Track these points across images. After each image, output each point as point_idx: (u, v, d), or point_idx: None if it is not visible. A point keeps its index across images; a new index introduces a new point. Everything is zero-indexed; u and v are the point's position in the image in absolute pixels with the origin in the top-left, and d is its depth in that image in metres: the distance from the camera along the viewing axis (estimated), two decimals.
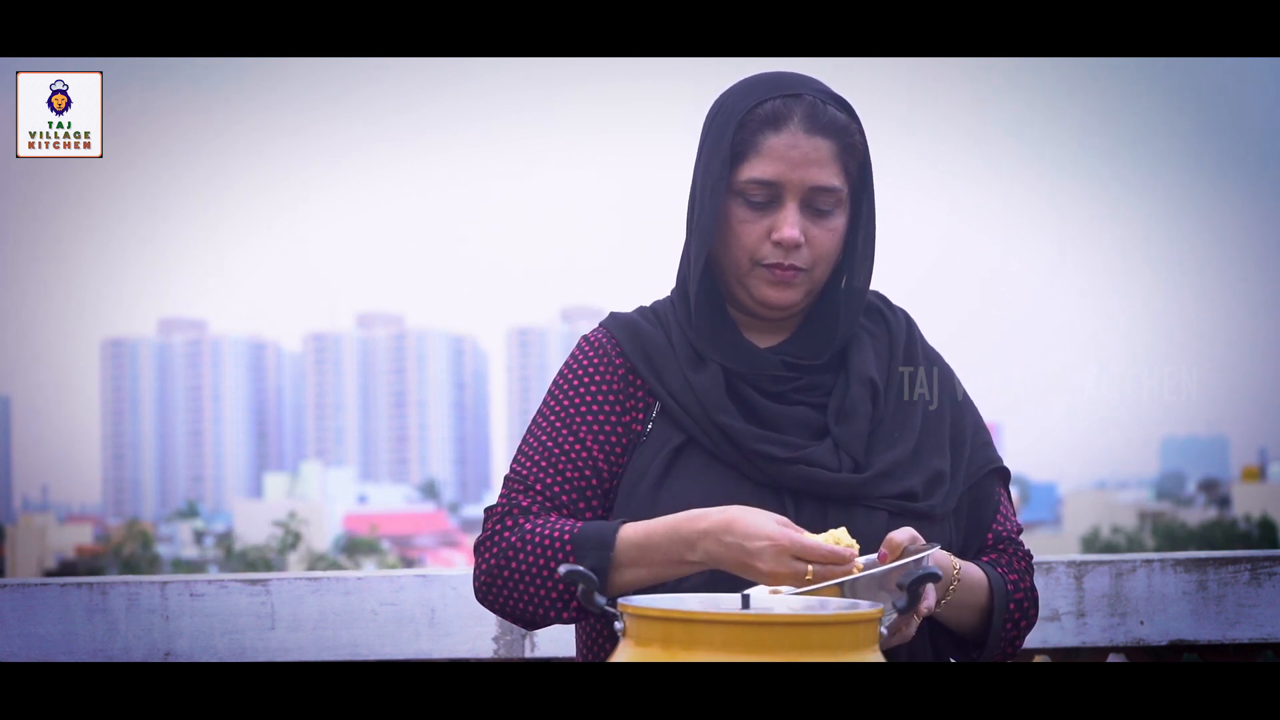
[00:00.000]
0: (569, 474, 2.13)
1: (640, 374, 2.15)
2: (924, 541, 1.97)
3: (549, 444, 2.14)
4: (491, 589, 2.08)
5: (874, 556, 1.97)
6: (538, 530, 2.05)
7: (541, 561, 2.03)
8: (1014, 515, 2.26)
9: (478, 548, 2.11)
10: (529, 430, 2.19)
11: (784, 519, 1.94)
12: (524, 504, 2.11)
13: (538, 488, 2.12)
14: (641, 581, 2.02)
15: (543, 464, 2.13)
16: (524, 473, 2.14)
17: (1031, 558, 2.26)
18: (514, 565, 2.05)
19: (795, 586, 1.89)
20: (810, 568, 1.88)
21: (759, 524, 1.92)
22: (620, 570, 2.01)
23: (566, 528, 2.04)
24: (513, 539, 2.07)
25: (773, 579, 1.91)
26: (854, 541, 1.93)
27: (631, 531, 2.02)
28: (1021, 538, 2.26)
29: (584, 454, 2.13)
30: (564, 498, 2.12)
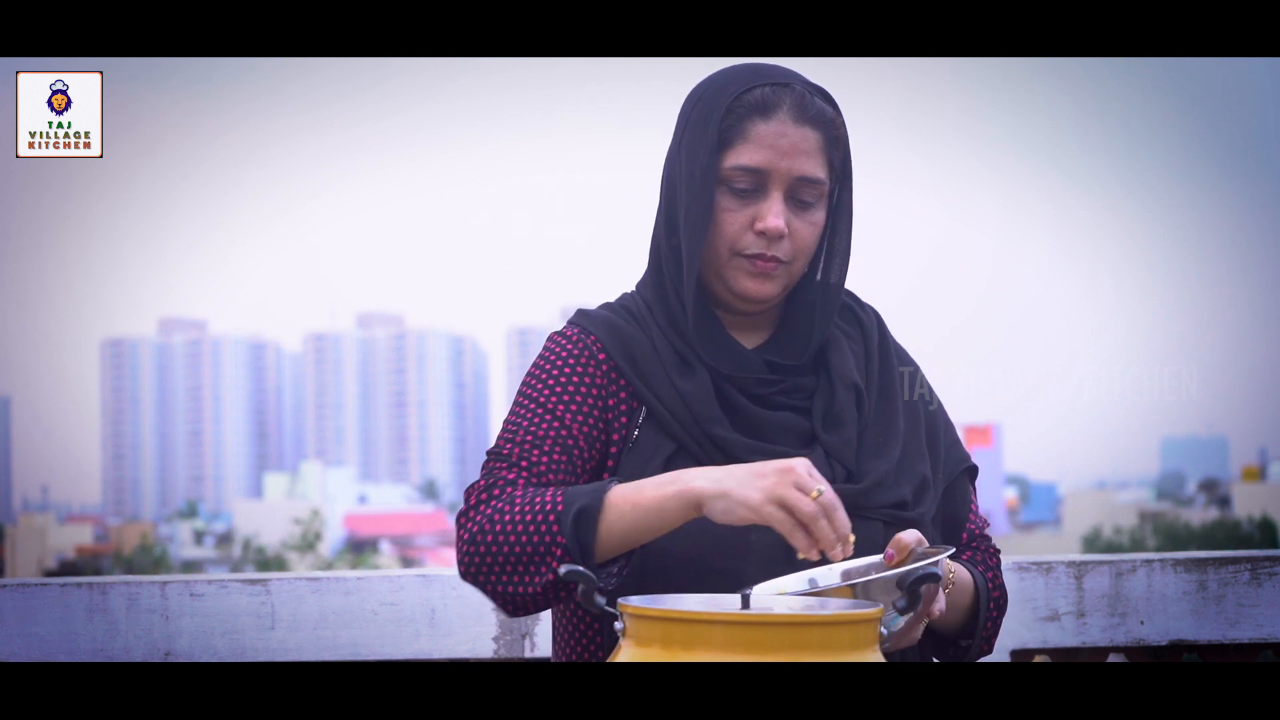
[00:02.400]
0: (556, 455, 2.05)
1: (625, 376, 2.10)
2: (929, 544, 1.96)
3: (531, 427, 2.07)
4: (475, 558, 1.96)
5: (879, 558, 1.96)
6: (529, 494, 1.97)
7: (529, 517, 1.93)
8: (980, 512, 2.26)
9: (459, 520, 2.02)
10: (509, 418, 2.11)
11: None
12: (510, 477, 2.03)
13: (523, 464, 2.04)
14: (628, 523, 1.90)
15: (527, 444, 2.05)
16: (507, 450, 2.06)
17: (1000, 553, 2.26)
18: (500, 526, 1.95)
19: (788, 516, 1.82)
20: (819, 490, 1.81)
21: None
22: (609, 510, 1.91)
23: (558, 489, 1.96)
24: (500, 505, 1.97)
25: (767, 501, 1.83)
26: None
27: (625, 484, 1.95)
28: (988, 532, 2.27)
29: (570, 439, 2.06)
30: (549, 475, 2.04)
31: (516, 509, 1.96)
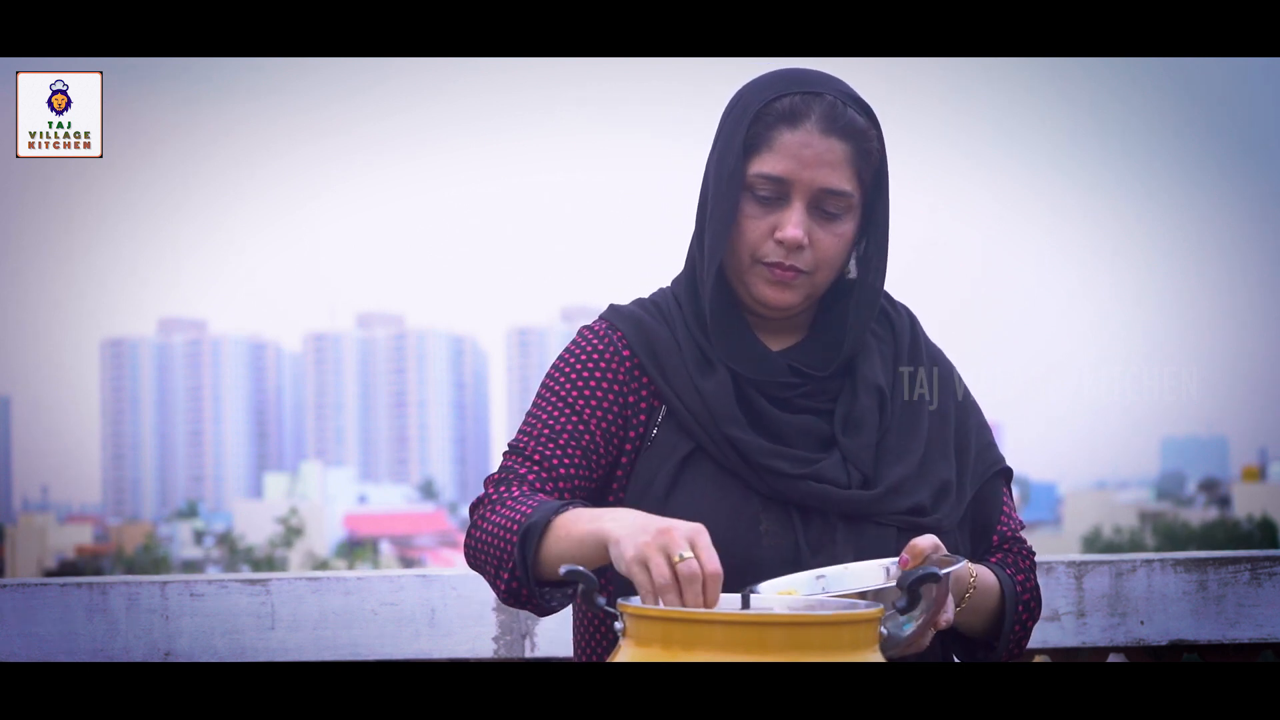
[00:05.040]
0: (571, 450, 2.07)
1: (647, 372, 2.11)
2: (945, 550, 1.95)
3: (551, 422, 2.09)
4: (469, 549, 2.02)
5: (894, 561, 1.95)
6: (519, 499, 1.99)
7: (504, 523, 1.96)
8: (1015, 513, 2.24)
9: (471, 508, 2.07)
10: (530, 411, 2.13)
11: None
12: (521, 472, 2.06)
13: (535, 458, 2.07)
14: (561, 549, 1.88)
15: (544, 438, 2.08)
16: (524, 445, 2.09)
17: (1034, 555, 2.25)
18: (487, 525, 1.99)
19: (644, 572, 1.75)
20: (681, 556, 1.72)
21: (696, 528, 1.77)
22: (552, 532, 1.89)
23: (537, 497, 1.99)
24: (496, 504, 2.02)
25: (635, 560, 1.74)
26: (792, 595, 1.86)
27: (580, 509, 1.92)
28: (1022, 534, 2.25)
29: (586, 435, 2.08)
30: (561, 470, 2.06)
31: (503, 511, 2.00)
